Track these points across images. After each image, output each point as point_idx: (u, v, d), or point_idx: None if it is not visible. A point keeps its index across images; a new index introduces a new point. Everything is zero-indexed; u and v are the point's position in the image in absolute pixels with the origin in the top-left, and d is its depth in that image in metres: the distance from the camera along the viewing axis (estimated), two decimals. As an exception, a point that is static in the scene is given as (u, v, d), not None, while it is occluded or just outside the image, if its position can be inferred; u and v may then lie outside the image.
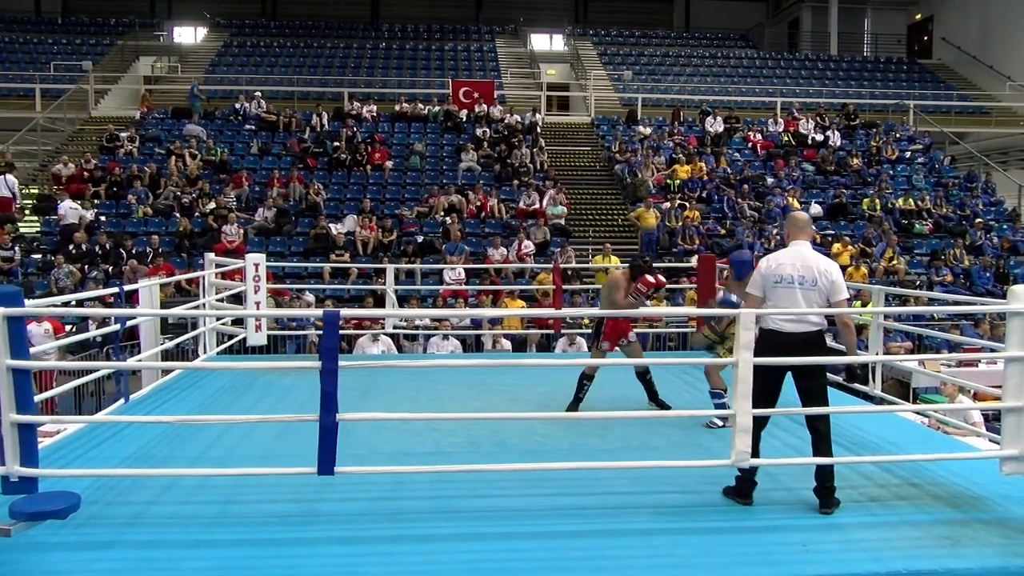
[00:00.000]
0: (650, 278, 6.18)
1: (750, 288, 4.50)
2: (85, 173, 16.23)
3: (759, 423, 4.24)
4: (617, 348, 6.38)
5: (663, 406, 6.28)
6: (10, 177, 15.18)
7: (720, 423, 5.77)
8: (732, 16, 31.08)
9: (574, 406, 6.23)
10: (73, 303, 8.29)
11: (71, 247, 13.55)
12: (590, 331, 11.02)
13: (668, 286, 8.43)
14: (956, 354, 9.15)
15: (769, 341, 4.27)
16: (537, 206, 15.80)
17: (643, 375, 6.46)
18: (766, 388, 4.19)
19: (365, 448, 5.06)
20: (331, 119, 19.12)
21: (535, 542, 3.80)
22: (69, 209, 14.24)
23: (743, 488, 4.30)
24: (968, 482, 4.56)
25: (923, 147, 20.23)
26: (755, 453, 4.24)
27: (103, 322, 7.72)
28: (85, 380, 6.87)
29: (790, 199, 16.84)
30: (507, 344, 11.22)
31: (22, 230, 14.94)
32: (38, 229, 15.01)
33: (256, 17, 29.65)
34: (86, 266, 13.24)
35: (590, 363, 6.35)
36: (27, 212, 15.65)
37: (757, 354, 4.10)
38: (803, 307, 4.26)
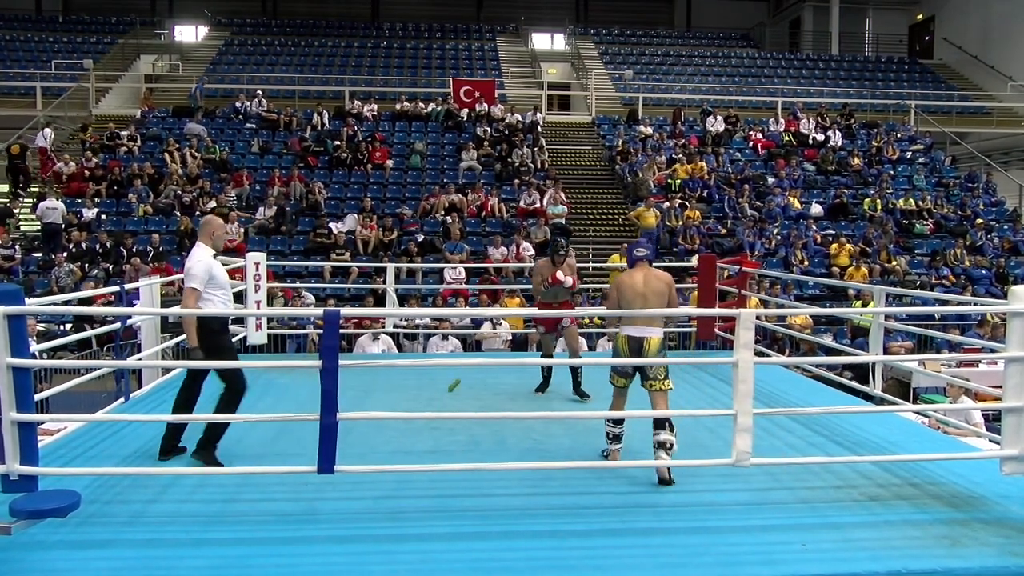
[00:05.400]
0: (559, 274, 6.43)
1: None
2: (86, 171, 16.25)
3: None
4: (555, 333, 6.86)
5: (583, 396, 6.69)
6: (48, 131, 16.27)
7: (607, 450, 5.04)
8: (733, 15, 31.07)
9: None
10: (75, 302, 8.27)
11: (67, 245, 13.53)
12: (592, 331, 11.13)
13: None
14: (957, 354, 9.13)
15: None
16: (538, 205, 15.80)
17: (573, 367, 6.70)
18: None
19: (365, 447, 5.06)
20: (332, 118, 19.10)
21: (535, 541, 3.80)
22: (47, 208, 14.22)
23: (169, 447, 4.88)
24: (968, 482, 4.56)
25: (924, 147, 20.20)
26: (175, 444, 4.91)
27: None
28: (86, 379, 6.86)
29: (791, 199, 16.85)
30: (504, 332, 11.15)
31: (23, 228, 14.94)
32: (38, 228, 15.00)
33: (257, 16, 29.64)
34: (86, 265, 13.25)
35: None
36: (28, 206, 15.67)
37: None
38: None
